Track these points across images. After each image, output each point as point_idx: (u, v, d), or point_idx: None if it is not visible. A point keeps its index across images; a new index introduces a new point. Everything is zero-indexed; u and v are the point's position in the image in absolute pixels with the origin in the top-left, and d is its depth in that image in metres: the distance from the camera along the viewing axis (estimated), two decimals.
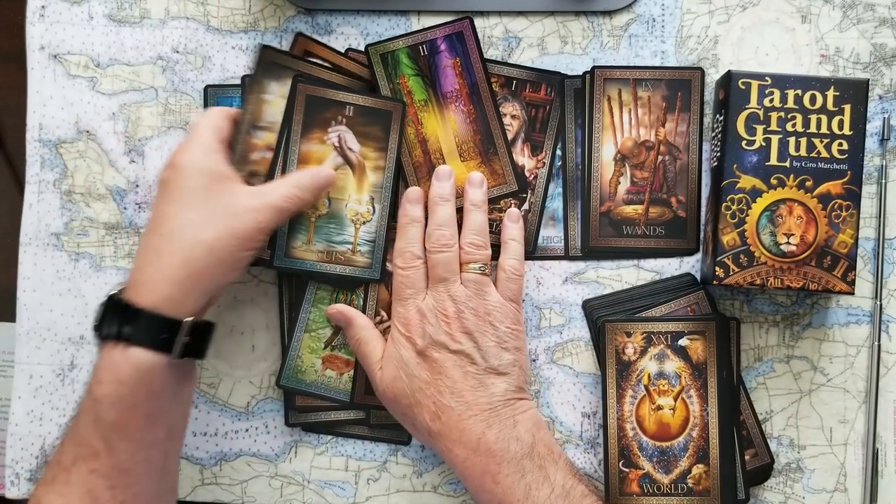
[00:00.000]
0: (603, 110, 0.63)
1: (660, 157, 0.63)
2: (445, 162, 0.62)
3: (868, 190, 0.63)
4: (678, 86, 0.63)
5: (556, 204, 0.64)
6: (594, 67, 0.63)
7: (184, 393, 0.55)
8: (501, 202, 0.63)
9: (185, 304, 0.51)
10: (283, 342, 0.63)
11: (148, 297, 0.50)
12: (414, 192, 0.61)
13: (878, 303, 0.62)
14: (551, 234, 0.64)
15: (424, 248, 0.60)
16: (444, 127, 0.62)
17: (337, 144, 0.60)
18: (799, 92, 0.58)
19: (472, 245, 0.59)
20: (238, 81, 0.64)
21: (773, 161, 0.58)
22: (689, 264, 0.63)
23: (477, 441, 0.55)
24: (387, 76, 0.62)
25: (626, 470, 0.60)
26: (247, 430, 0.64)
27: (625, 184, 0.63)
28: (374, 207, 0.61)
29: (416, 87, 0.62)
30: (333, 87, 0.61)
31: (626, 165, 0.63)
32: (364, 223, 0.61)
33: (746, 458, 0.61)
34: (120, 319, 0.50)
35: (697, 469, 0.60)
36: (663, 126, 0.63)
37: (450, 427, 0.55)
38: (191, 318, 0.51)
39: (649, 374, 0.60)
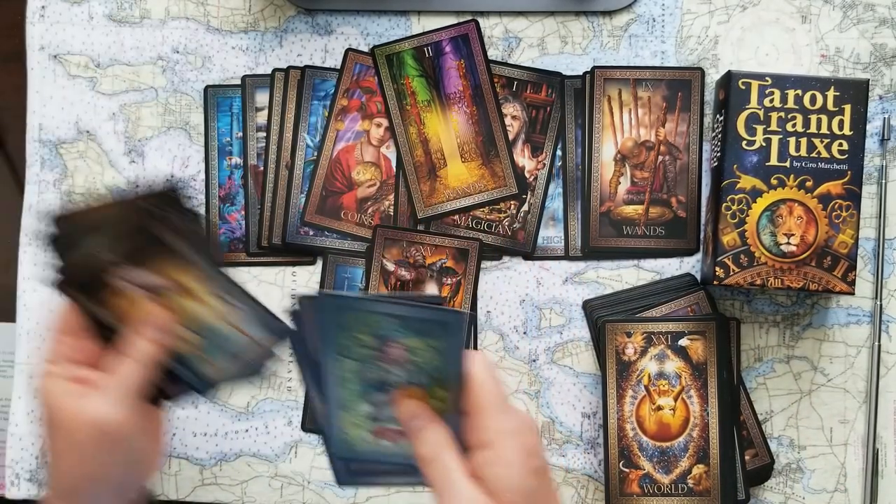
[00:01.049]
0: (603, 110, 0.63)
1: (660, 158, 0.63)
2: (447, 162, 0.62)
3: (868, 190, 0.63)
4: (678, 86, 0.63)
5: (556, 204, 0.64)
6: (594, 67, 0.63)
7: None
8: (501, 204, 0.63)
9: None
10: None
11: None
12: None
13: (878, 303, 0.62)
14: (551, 235, 0.64)
15: None
16: (447, 128, 0.63)
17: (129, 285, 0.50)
18: (799, 92, 0.58)
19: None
20: (238, 81, 0.64)
21: (774, 161, 0.58)
22: (689, 264, 0.63)
23: None
24: (391, 77, 0.63)
25: (627, 470, 0.60)
26: (247, 431, 0.64)
27: (625, 184, 0.63)
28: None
29: (420, 87, 0.63)
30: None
31: (627, 165, 0.63)
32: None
33: (746, 458, 0.61)
34: None
35: (698, 469, 0.60)
36: (663, 126, 0.63)
37: None
38: None
39: (649, 375, 0.60)
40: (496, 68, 0.63)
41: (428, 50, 0.63)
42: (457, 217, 0.63)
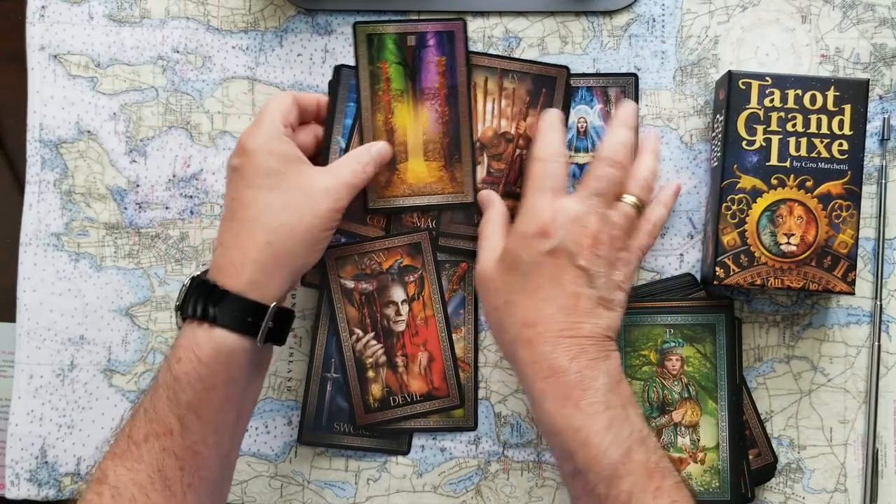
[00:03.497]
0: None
1: (517, 151, 0.62)
2: (408, 157, 0.61)
3: (868, 190, 0.63)
4: (543, 82, 0.62)
5: None
6: (469, 52, 0.62)
7: (258, 379, 0.55)
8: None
9: (269, 288, 0.51)
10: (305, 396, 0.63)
11: (234, 281, 0.51)
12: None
13: (878, 303, 0.62)
14: None
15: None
16: (415, 122, 0.61)
17: None
18: (799, 92, 0.58)
19: (645, 182, 0.57)
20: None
21: (774, 161, 0.58)
22: (689, 264, 0.63)
23: (568, 362, 0.50)
24: (368, 57, 0.61)
25: None
26: (247, 431, 0.64)
27: (481, 173, 0.63)
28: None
29: (395, 75, 0.61)
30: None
31: (485, 155, 0.62)
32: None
33: (750, 457, 0.61)
34: (206, 300, 0.50)
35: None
36: (525, 120, 0.62)
37: (544, 339, 0.51)
38: (275, 304, 0.52)
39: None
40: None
41: (412, 39, 0.61)
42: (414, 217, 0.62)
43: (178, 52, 0.65)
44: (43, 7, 0.65)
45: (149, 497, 0.49)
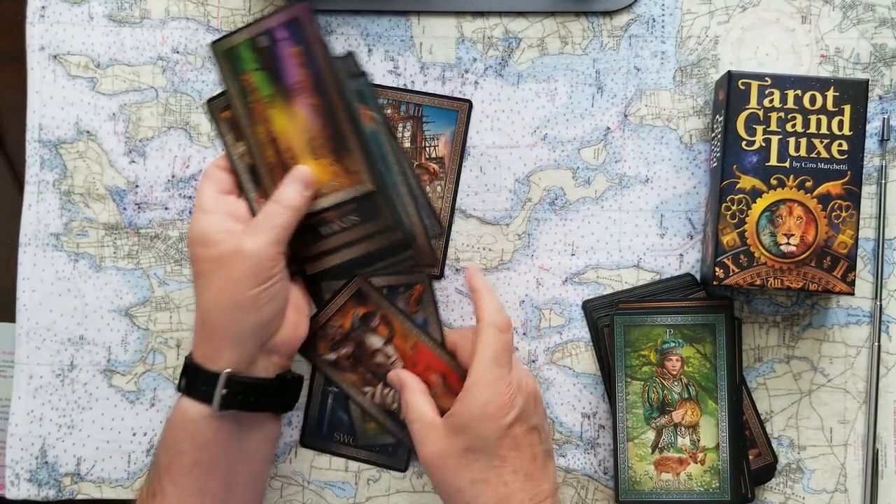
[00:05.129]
0: None
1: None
2: (298, 162, 0.57)
3: (868, 190, 0.63)
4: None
5: None
6: (323, 40, 0.57)
7: (247, 447, 0.55)
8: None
9: (219, 357, 0.53)
10: None
11: (194, 353, 0.55)
12: None
13: (878, 303, 0.62)
14: None
15: None
16: (294, 123, 0.56)
17: None
18: (799, 92, 0.58)
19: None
20: None
21: (773, 161, 0.58)
22: (689, 264, 0.63)
23: None
24: (232, 73, 0.56)
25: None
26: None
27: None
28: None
29: (261, 82, 0.56)
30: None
31: None
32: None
33: (750, 457, 0.61)
34: (182, 373, 0.55)
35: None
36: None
37: None
38: (228, 370, 0.53)
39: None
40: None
41: (262, 39, 0.56)
42: (330, 217, 0.58)
43: (178, 52, 0.65)
44: (43, 7, 0.65)
45: None
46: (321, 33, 0.56)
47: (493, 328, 0.53)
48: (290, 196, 0.55)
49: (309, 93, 0.56)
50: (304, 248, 0.57)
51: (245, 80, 0.56)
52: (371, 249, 0.58)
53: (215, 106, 0.58)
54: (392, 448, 0.63)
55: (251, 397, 0.54)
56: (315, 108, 0.56)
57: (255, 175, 0.57)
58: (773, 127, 0.58)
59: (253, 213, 0.56)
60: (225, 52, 0.56)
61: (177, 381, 0.56)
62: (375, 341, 0.61)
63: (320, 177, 0.56)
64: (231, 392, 0.53)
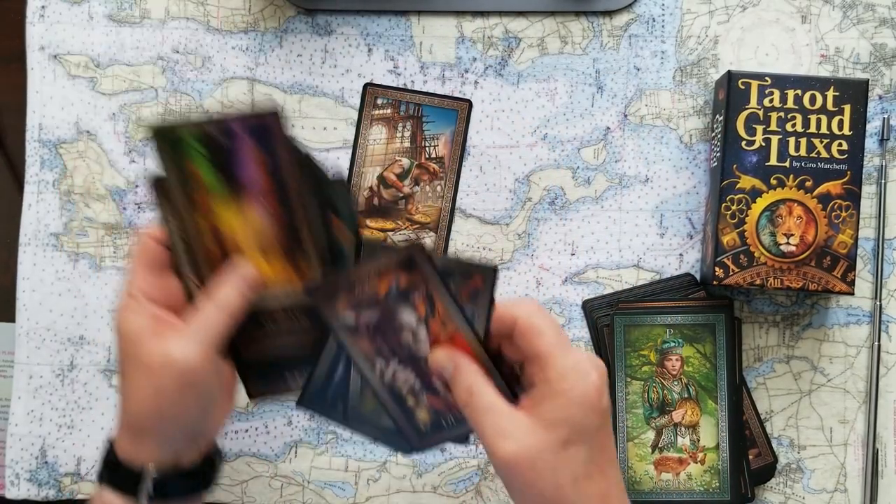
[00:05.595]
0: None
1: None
2: (243, 254, 0.51)
3: (868, 190, 0.63)
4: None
5: None
6: (292, 143, 0.51)
7: None
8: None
9: (145, 455, 0.50)
10: None
11: (117, 446, 0.51)
12: None
13: (878, 303, 0.62)
14: None
15: None
16: (244, 222, 0.50)
17: None
18: (799, 92, 0.58)
19: None
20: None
21: (773, 161, 0.58)
22: (689, 264, 0.63)
23: None
24: (173, 160, 0.49)
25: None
26: (247, 431, 0.64)
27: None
28: None
29: (207, 174, 0.50)
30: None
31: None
32: None
33: (750, 457, 0.61)
34: (104, 464, 0.52)
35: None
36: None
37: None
38: (154, 472, 0.50)
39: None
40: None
41: (218, 134, 0.49)
42: None
43: (178, 52, 0.65)
44: (43, 7, 0.65)
45: None
46: (291, 139, 0.50)
47: (537, 315, 0.47)
48: (228, 297, 0.49)
49: (269, 200, 0.50)
50: (239, 333, 0.51)
51: (188, 169, 0.49)
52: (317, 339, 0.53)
53: (156, 174, 0.51)
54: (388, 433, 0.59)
55: (178, 487, 0.52)
56: (273, 214, 0.50)
57: (193, 257, 0.51)
58: (773, 127, 0.58)
59: (190, 296, 0.51)
60: (165, 136, 0.49)
61: (97, 469, 0.52)
62: (409, 317, 0.52)
63: (268, 274, 0.51)
64: (158, 486, 0.50)
